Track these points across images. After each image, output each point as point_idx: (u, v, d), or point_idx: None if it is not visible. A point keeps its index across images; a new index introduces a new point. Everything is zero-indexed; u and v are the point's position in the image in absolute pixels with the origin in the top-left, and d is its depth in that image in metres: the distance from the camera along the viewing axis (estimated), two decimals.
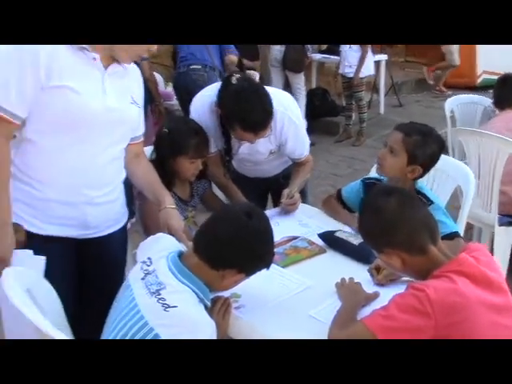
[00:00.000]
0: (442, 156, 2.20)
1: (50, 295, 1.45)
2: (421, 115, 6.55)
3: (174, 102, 4.50)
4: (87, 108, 1.55)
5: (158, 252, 1.44)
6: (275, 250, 1.84)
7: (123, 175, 1.80)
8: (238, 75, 2.05)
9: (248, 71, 5.25)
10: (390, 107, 6.95)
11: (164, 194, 1.79)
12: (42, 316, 1.24)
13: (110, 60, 1.61)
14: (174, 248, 1.47)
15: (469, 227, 3.31)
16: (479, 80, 7.86)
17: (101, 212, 1.70)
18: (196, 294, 1.36)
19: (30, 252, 1.59)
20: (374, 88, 6.84)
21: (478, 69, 7.84)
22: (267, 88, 2.20)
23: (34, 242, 1.62)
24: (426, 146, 1.91)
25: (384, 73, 6.71)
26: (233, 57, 4.35)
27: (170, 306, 1.29)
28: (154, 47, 1.64)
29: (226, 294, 1.55)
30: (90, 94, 1.56)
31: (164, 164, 2.02)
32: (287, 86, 5.81)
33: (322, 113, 6.24)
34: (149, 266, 1.40)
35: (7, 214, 1.56)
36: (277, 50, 5.53)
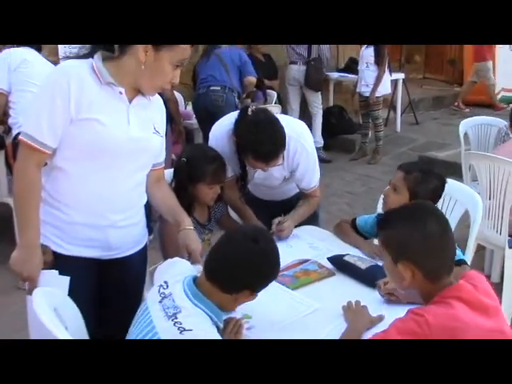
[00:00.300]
0: (450, 180, 2.28)
1: (74, 315, 1.56)
2: (437, 133, 6.61)
3: (194, 121, 4.62)
4: (112, 138, 1.66)
5: (174, 276, 1.52)
6: (286, 272, 1.95)
7: (145, 199, 1.90)
8: (254, 107, 2.16)
9: (267, 90, 5.40)
10: (407, 125, 7.01)
11: (183, 217, 1.89)
12: (67, 333, 1.35)
13: (134, 92, 1.72)
14: (189, 272, 1.56)
15: (481, 248, 3.36)
16: (498, 97, 7.87)
17: (123, 234, 1.81)
18: (210, 317, 1.44)
19: (56, 272, 1.71)
20: (391, 106, 6.91)
21: (497, 86, 7.85)
22: (283, 116, 2.31)
23: (60, 262, 1.74)
24: (426, 183, 2.00)
25: (401, 91, 6.78)
26: (251, 78, 4.48)
27: (185, 330, 1.37)
28: (177, 79, 1.74)
29: (237, 315, 1.64)
30: (116, 125, 1.67)
31: (184, 191, 2.12)
32: (304, 104, 5.94)
33: (338, 131, 6.33)
34: (165, 289, 1.49)
35: (36, 237, 1.68)
36: (295, 70, 5.66)
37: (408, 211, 1.46)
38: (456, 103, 7.89)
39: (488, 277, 3.33)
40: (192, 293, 1.45)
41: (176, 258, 1.67)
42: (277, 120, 2.13)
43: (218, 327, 1.47)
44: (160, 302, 1.46)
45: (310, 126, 5.88)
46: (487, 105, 7.69)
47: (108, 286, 1.87)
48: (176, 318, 1.40)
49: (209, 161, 2.15)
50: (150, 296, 1.52)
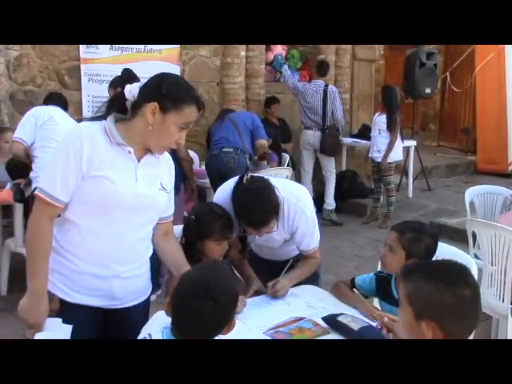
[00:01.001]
0: (445, 245, 2.34)
1: None
2: (449, 200, 6.65)
3: (207, 180, 4.74)
4: (120, 195, 1.78)
5: (157, 327, 1.55)
6: (281, 329, 2.00)
7: (150, 252, 2.00)
8: (250, 176, 2.28)
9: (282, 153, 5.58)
10: (419, 191, 7.08)
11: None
12: None
13: (143, 152, 1.85)
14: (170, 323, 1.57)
15: (486, 318, 3.35)
16: (511, 167, 7.94)
17: (127, 285, 1.89)
18: None
19: (60, 320, 1.80)
20: (404, 172, 7.02)
21: (510, 156, 7.95)
22: (284, 181, 2.43)
23: (66, 310, 1.83)
24: (420, 241, 2.08)
25: (413, 158, 6.90)
26: (262, 141, 4.65)
27: None
28: (182, 140, 1.86)
29: None
30: (124, 182, 1.79)
31: (193, 247, 2.21)
32: (317, 167, 6.09)
33: (350, 194, 6.44)
34: None
35: (44, 285, 1.78)
36: (310, 135, 5.86)
37: (442, 271, 1.40)
38: None
39: None
40: None
41: (159, 312, 1.66)
42: (270, 189, 2.22)
43: None
44: None
45: (322, 189, 6.03)
46: (501, 174, 7.72)
47: (110, 336, 1.93)
48: None
49: (216, 218, 2.25)
50: None
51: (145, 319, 2.04)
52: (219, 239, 2.24)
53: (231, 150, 4.45)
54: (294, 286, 2.40)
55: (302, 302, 2.28)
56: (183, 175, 4.19)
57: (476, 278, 2.33)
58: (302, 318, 2.09)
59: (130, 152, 1.81)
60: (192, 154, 4.97)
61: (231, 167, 4.28)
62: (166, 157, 1.99)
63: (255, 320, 2.09)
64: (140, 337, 1.57)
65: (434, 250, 2.12)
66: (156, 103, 1.74)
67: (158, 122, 1.76)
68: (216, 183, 4.29)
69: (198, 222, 2.26)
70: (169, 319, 1.60)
